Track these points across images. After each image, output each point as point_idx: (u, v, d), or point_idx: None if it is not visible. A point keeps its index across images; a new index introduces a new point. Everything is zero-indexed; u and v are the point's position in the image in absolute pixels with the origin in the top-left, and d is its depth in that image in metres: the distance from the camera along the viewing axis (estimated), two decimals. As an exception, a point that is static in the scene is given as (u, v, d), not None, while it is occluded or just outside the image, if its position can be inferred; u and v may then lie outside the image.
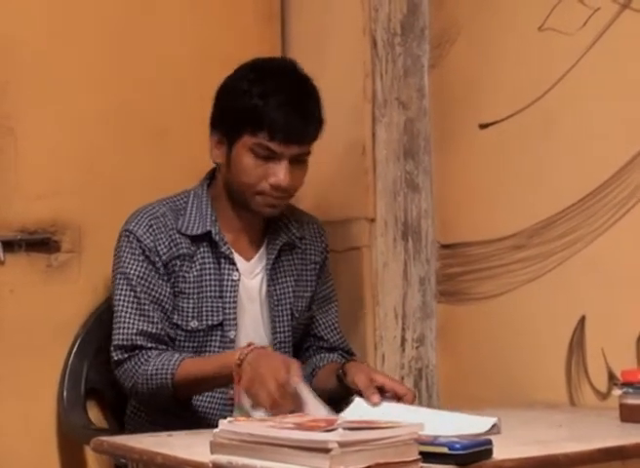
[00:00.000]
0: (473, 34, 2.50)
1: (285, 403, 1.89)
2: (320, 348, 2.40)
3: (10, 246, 2.46)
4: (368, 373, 2.10)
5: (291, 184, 2.21)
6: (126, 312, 2.22)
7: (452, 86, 2.57)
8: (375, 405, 2.00)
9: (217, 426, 1.52)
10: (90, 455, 2.50)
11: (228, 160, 2.24)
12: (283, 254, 2.35)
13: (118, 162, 2.60)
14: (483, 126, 2.49)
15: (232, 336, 2.25)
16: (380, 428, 1.42)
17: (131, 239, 2.25)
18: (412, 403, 2.05)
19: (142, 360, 2.18)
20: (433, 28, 2.61)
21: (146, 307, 2.22)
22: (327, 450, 1.35)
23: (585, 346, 2.24)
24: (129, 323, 2.21)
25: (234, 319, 2.26)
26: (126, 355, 2.20)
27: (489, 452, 1.54)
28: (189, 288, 2.25)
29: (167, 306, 2.24)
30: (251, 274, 2.31)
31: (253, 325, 2.31)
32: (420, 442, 1.45)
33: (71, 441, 2.49)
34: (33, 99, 2.51)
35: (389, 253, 2.56)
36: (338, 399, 2.11)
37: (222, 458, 1.48)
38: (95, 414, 2.51)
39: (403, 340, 2.58)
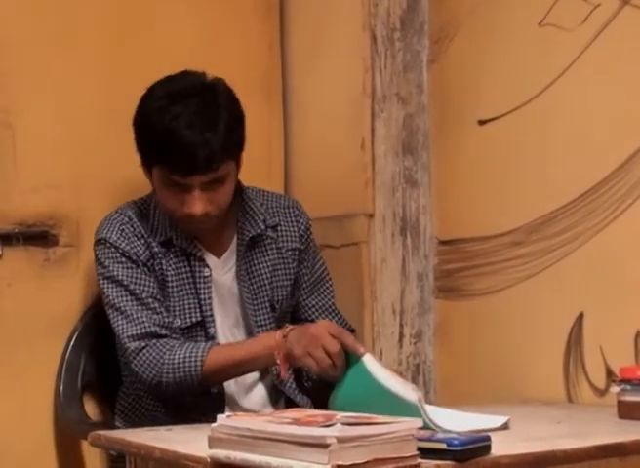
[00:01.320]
0: (473, 30, 2.50)
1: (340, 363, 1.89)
2: None
3: (8, 239, 2.46)
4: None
5: (207, 210, 2.17)
6: (130, 308, 2.20)
7: (451, 82, 2.57)
8: None
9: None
10: (86, 449, 2.50)
11: (152, 184, 2.25)
12: (256, 246, 2.32)
13: (116, 156, 2.59)
14: (482, 122, 2.48)
15: (212, 333, 2.25)
16: (378, 424, 1.42)
17: (108, 246, 2.25)
18: None
19: (166, 349, 2.15)
20: (433, 24, 2.61)
21: (147, 301, 2.21)
22: (325, 446, 1.34)
23: (583, 343, 2.24)
24: (137, 315, 2.19)
25: (211, 316, 2.26)
26: (144, 343, 2.16)
27: (487, 448, 1.53)
28: (169, 287, 2.25)
29: (162, 300, 2.24)
30: (223, 270, 2.30)
31: (230, 321, 2.30)
32: (419, 438, 1.45)
33: (68, 435, 2.49)
34: (32, 94, 2.51)
35: (388, 248, 2.56)
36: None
37: (221, 453, 1.47)
38: (91, 408, 2.51)
39: (401, 336, 2.58)
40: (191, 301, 2.25)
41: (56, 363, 2.48)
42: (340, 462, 1.35)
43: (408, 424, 1.44)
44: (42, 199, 2.50)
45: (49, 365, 2.47)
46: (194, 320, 2.25)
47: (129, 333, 2.18)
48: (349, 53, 2.66)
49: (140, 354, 2.16)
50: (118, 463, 2.14)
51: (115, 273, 2.23)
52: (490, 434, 1.56)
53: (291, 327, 2.04)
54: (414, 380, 2.56)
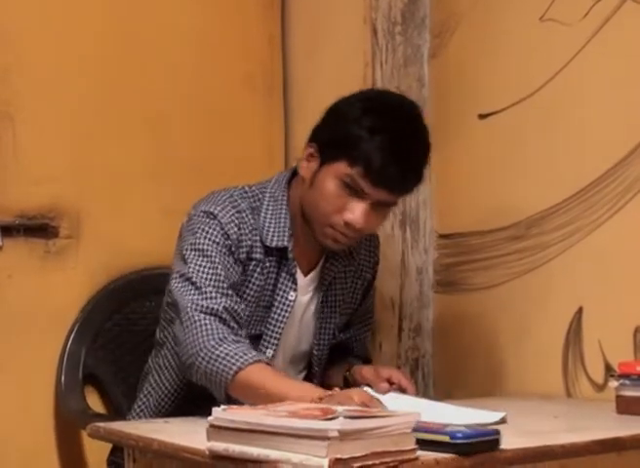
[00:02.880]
0: (474, 24, 2.50)
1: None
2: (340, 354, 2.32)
3: (8, 231, 2.46)
4: (375, 367, 2.13)
5: (364, 227, 2.04)
6: (206, 287, 2.02)
7: (451, 76, 2.57)
8: (383, 393, 2.00)
9: None
10: (87, 440, 2.50)
11: (313, 178, 2.08)
12: (338, 272, 2.24)
13: (117, 148, 2.60)
14: (482, 116, 2.48)
15: (270, 355, 2.12)
16: (377, 417, 1.42)
17: (214, 225, 2.08)
18: (415, 394, 2.06)
19: (219, 335, 1.96)
20: (434, 18, 2.61)
21: (227, 291, 2.04)
22: (325, 439, 1.34)
23: (582, 338, 2.24)
24: (213, 294, 2.02)
25: (277, 338, 2.14)
26: (204, 316, 1.98)
27: (495, 443, 1.52)
28: (251, 296, 2.12)
29: (239, 297, 2.09)
30: (304, 290, 2.18)
31: (292, 340, 2.20)
32: (423, 429, 1.45)
33: (69, 425, 2.49)
34: (33, 86, 2.50)
35: (387, 242, 2.56)
36: None
37: (219, 445, 1.48)
38: (92, 399, 2.51)
39: (400, 330, 2.58)
40: (260, 314, 2.13)
41: (57, 354, 2.48)
42: (339, 455, 1.35)
43: (407, 418, 1.43)
44: (42, 191, 2.50)
45: (50, 356, 2.47)
46: (253, 332, 2.12)
47: (196, 305, 2.00)
48: (350, 46, 2.66)
49: (196, 325, 1.98)
50: (117, 455, 2.14)
51: (209, 252, 2.06)
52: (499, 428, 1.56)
53: (326, 396, 1.83)
54: (412, 374, 2.57)
